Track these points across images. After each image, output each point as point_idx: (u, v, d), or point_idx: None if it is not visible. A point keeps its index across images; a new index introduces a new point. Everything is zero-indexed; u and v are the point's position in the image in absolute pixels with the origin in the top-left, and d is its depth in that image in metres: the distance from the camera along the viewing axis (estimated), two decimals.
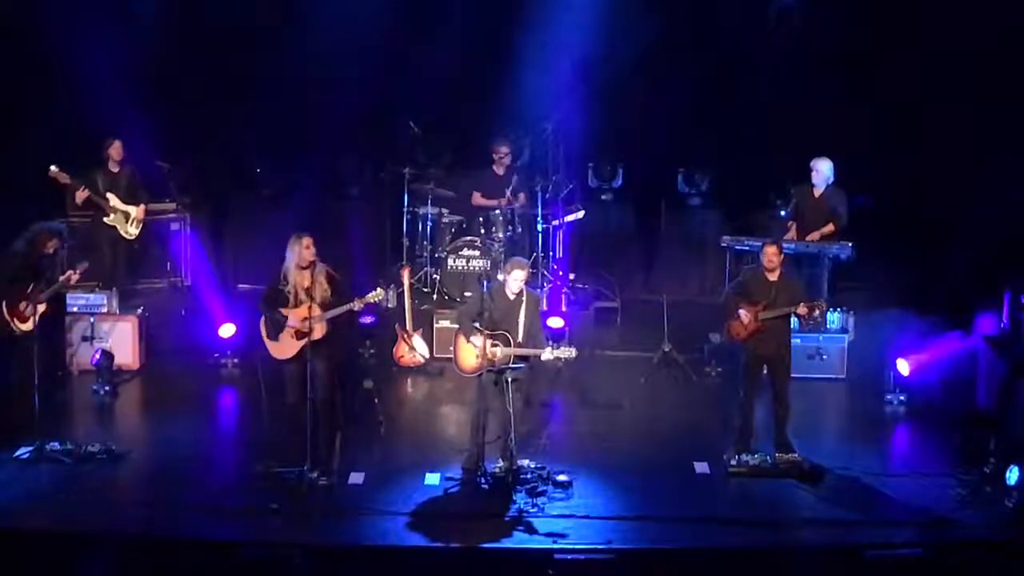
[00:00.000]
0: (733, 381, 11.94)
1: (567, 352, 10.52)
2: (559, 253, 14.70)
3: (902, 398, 12.49)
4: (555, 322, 13.22)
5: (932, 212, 14.75)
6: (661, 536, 9.77)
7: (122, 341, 13.25)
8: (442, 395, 12.86)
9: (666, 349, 13.23)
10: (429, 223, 14.52)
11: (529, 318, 10.55)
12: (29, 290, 11.31)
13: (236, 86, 15.10)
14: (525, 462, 10.50)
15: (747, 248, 13.67)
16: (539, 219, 14.37)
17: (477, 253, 14.11)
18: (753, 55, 15.22)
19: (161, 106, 14.61)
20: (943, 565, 9.47)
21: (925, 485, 10.61)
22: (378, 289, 10.99)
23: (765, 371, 11.25)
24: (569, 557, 9.36)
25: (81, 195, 13.53)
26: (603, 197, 16.18)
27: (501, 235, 14.22)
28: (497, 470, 10.48)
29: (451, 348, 10.93)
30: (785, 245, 11.89)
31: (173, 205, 15.03)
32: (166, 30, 15.01)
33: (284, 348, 10.67)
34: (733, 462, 10.81)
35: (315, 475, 10.31)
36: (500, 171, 14.66)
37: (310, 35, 14.59)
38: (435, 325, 13.46)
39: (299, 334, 10.53)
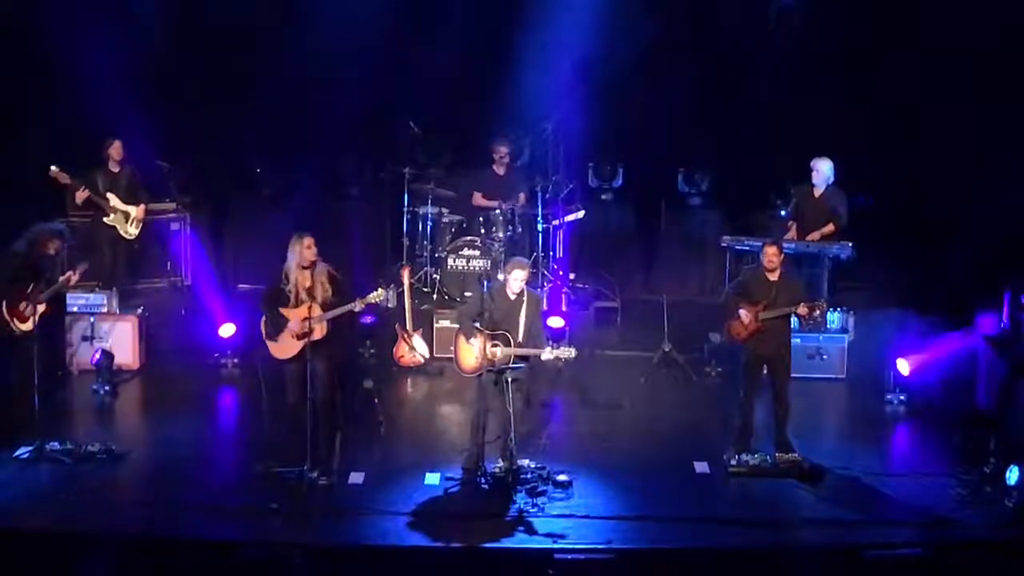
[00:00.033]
0: (733, 381, 11.94)
1: (567, 352, 10.51)
2: (559, 253, 14.71)
3: (902, 398, 12.50)
4: (555, 322, 13.21)
5: (932, 212, 14.75)
6: (661, 536, 9.77)
7: (122, 341, 13.25)
8: (442, 395, 12.86)
9: (666, 349, 13.23)
10: (429, 223, 14.52)
11: (530, 318, 10.55)
12: (29, 290, 11.31)
13: (236, 86, 15.10)
14: (525, 462, 10.50)
15: (747, 248, 13.67)
16: (539, 219, 14.37)
17: (477, 253, 14.12)
18: (753, 55, 15.22)
19: (161, 106, 14.60)
20: (943, 565, 9.47)
21: (925, 485, 10.61)
22: (379, 290, 10.97)
23: (765, 371, 11.25)
24: (569, 557, 9.36)
25: (81, 195, 13.54)
26: (603, 197, 16.17)
27: (501, 235, 14.22)
28: (497, 470, 10.48)
29: (451, 348, 10.93)
30: (785, 245, 11.89)
31: (173, 205, 15.04)
32: (166, 30, 15.02)
33: (285, 348, 10.67)
34: (733, 462, 10.81)
35: (315, 475, 10.31)
36: (500, 171, 14.66)
37: (310, 35, 14.58)
38: (435, 325, 13.46)
39: (300, 334, 10.53)
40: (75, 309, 13.20)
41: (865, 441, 11.73)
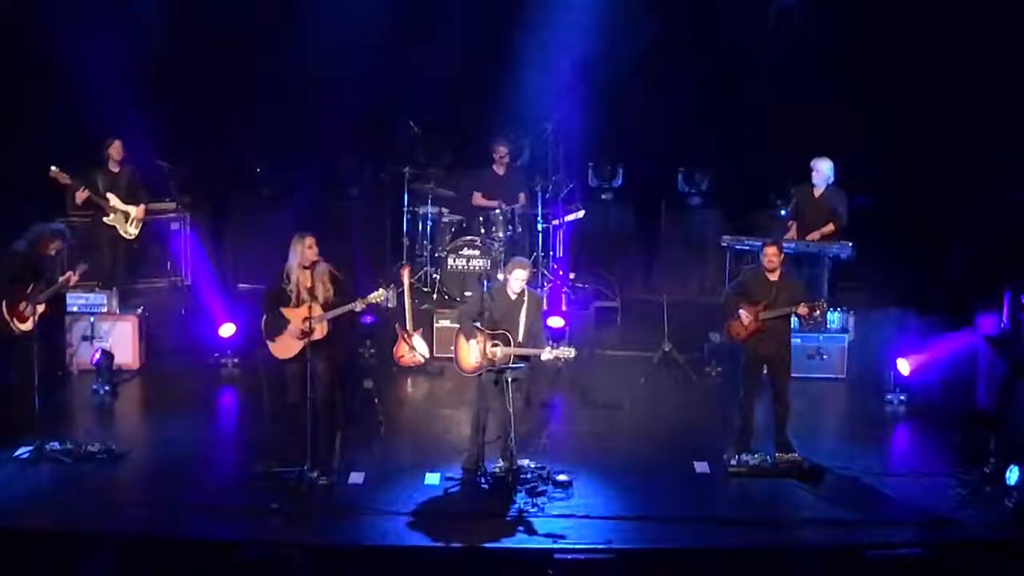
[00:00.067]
0: (733, 381, 11.95)
1: (566, 352, 10.51)
2: (559, 253, 14.70)
3: (902, 398, 12.50)
4: (555, 322, 13.21)
5: (932, 212, 14.75)
6: (661, 536, 9.77)
7: (122, 341, 13.25)
8: (442, 395, 12.86)
9: (666, 349, 13.23)
10: (429, 223, 14.52)
11: (530, 318, 10.55)
12: (29, 290, 11.31)
13: (236, 86, 15.09)
14: (525, 462, 10.50)
15: (747, 248, 13.67)
16: (539, 219, 14.37)
17: (477, 253, 14.12)
18: (753, 55, 15.22)
19: (161, 106, 14.60)
20: (943, 565, 9.47)
21: (925, 485, 10.61)
22: (380, 290, 10.96)
23: (765, 371, 11.25)
24: (569, 557, 9.37)
25: (81, 195, 13.54)
26: (603, 197, 16.17)
27: (501, 235, 14.22)
28: (497, 470, 10.48)
29: (451, 348, 10.93)
30: (785, 245, 11.89)
31: (173, 205, 15.04)
32: (166, 30, 15.01)
33: (285, 348, 10.67)
34: (733, 462, 10.80)
35: (315, 475, 10.31)
36: (500, 171, 14.67)
37: (310, 35, 14.58)
38: (435, 325, 13.46)
39: (301, 334, 10.53)
40: (75, 309, 13.20)
41: (865, 441, 11.73)
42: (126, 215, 13.82)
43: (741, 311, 11.07)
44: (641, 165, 16.14)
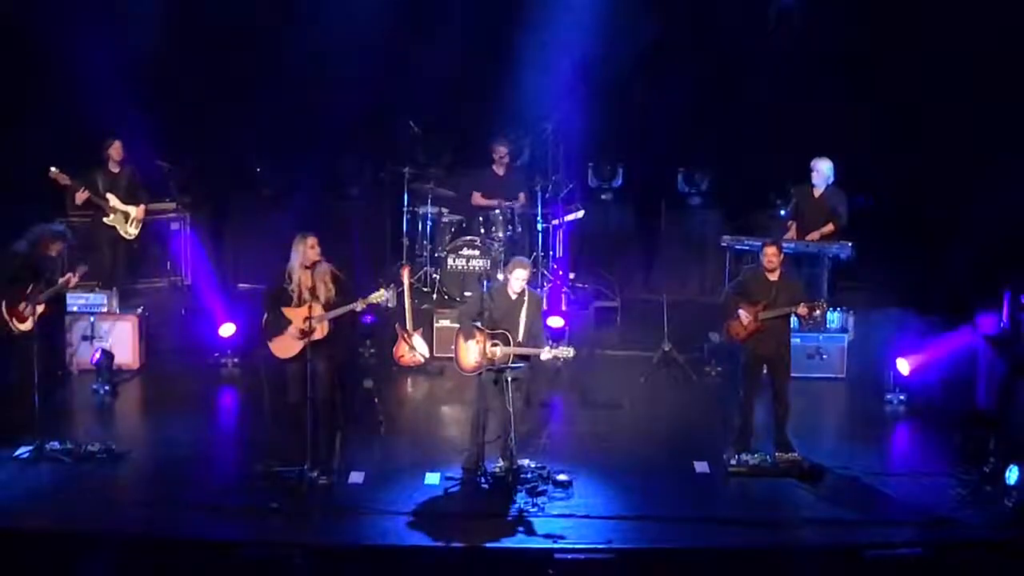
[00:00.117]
0: (733, 381, 11.94)
1: (565, 352, 10.51)
2: (559, 253, 14.70)
3: (902, 398, 12.49)
4: (555, 322, 13.22)
5: (932, 212, 14.74)
6: (661, 536, 9.77)
7: (122, 341, 13.24)
8: (442, 395, 12.86)
9: (666, 349, 13.23)
10: (429, 223, 14.53)
11: (530, 318, 10.55)
12: (28, 291, 11.31)
13: (236, 86, 15.09)
14: (525, 462, 10.50)
15: (747, 248, 13.67)
16: (539, 219, 14.37)
17: (477, 253, 14.12)
18: (753, 55, 15.22)
19: (161, 106, 14.60)
20: (943, 565, 9.47)
21: (925, 485, 10.61)
22: (380, 290, 10.97)
23: (765, 371, 11.25)
24: (569, 557, 9.37)
25: (81, 196, 13.54)
26: (603, 197, 16.17)
27: (501, 235, 14.23)
28: (497, 470, 10.48)
29: (451, 348, 10.93)
30: (785, 245, 11.90)
31: (173, 205, 15.04)
32: (166, 30, 14.99)
33: (286, 347, 10.67)
34: (733, 462, 10.80)
35: (315, 475, 10.31)
36: (500, 171, 14.68)
37: (310, 35, 14.58)
38: (435, 325, 13.46)
39: (301, 333, 10.54)
40: (75, 309, 13.20)
41: (865, 441, 11.73)
42: (126, 215, 13.82)
43: (741, 311, 11.07)
44: (641, 165, 16.14)
